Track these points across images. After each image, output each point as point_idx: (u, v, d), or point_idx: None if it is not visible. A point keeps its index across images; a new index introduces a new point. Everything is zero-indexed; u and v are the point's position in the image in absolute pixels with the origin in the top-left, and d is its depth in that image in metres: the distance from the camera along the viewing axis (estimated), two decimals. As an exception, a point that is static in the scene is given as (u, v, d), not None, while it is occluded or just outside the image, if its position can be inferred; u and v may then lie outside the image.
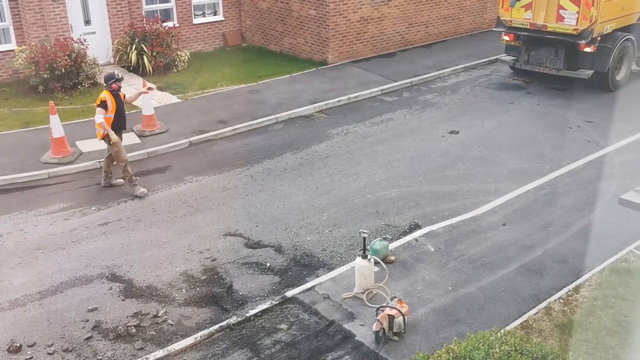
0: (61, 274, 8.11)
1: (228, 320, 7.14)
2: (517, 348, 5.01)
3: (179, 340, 6.85)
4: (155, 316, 7.27)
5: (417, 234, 8.84)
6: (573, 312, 7.00)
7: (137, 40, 16.11)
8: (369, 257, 7.40)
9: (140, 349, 6.77)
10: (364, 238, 7.34)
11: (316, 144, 12.11)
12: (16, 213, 9.71)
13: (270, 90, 15.04)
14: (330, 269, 8.13)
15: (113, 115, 9.90)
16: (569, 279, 7.73)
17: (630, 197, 6.53)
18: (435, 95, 14.67)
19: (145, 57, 15.93)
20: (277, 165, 11.23)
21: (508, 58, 15.38)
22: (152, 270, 8.17)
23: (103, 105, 9.72)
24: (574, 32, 13.45)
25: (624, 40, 14.17)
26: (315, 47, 17.33)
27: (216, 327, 7.03)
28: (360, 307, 7.27)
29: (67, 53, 14.43)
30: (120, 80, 10.03)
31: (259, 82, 15.68)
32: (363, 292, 7.43)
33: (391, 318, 6.64)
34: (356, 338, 6.78)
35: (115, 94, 9.96)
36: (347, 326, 6.97)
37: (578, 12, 13.33)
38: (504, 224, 9.06)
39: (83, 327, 7.11)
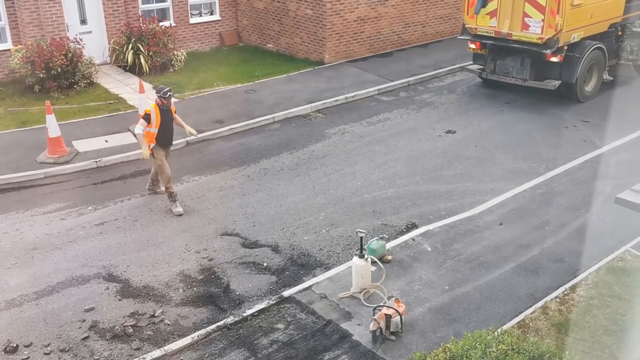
0: (58, 274, 8.10)
1: (225, 320, 7.14)
2: (514, 347, 5.02)
3: (176, 340, 6.84)
4: (152, 316, 7.26)
5: (414, 233, 8.85)
6: (569, 311, 7.02)
7: (133, 39, 16.07)
8: (366, 256, 7.41)
9: (137, 348, 6.76)
10: (361, 237, 7.35)
11: (313, 144, 12.11)
12: (12, 213, 9.69)
13: (267, 89, 15.03)
14: (327, 268, 8.14)
15: (157, 130, 9.31)
16: (566, 278, 7.75)
17: (626, 196, 6.56)
18: (432, 95, 14.68)
19: (141, 56, 15.90)
20: (274, 165, 11.23)
21: (475, 67, 14.70)
22: (149, 270, 8.16)
23: (146, 117, 9.23)
24: (539, 41, 12.73)
25: (594, 49, 13.43)
26: (312, 47, 17.33)
27: (213, 326, 7.02)
28: (358, 307, 7.27)
29: (63, 52, 14.39)
30: (166, 97, 9.32)
31: (256, 82, 15.67)
32: (360, 292, 7.43)
33: (388, 317, 6.64)
34: (353, 337, 6.79)
35: (164, 109, 9.36)
36: (344, 326, 6.97)
37: (543, 20, 12.61)
38: (501, 224, 9.07)
39: (80, 327, 7.10)
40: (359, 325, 6.97)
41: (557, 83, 13.27)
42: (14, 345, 6.78)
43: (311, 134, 12.60)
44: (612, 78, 14.46)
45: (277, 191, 10.21)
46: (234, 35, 19.59)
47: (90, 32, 16.51)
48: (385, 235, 8.65)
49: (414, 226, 9.10)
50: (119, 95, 14.70)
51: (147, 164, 11.37)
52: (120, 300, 7.58)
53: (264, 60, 17.55)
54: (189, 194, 10.18)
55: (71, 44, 14.87)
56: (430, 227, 8.99)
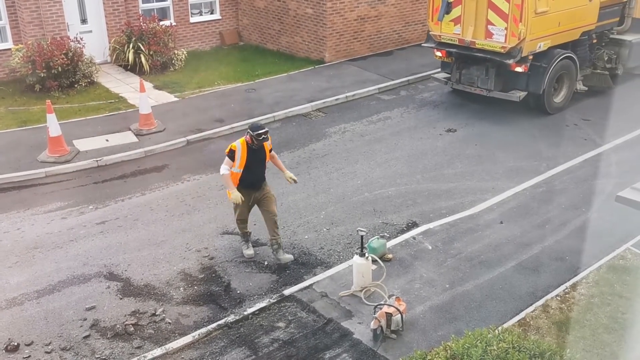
0: (59, 273, 8.10)
1: (226, 318, 7.15)
2: (515, 345, 5.02)
3: (177, 339, 6.85)
4: (153, 315, 7.27)
5: (414, 232, 8.85)
6: (570, 310, 7.03)
7: (134, 39, 16.08)
8: (366, 255, 7.41)
9: (139, 347, 6.77)
10: (362, 236, 7.35)
11: (313, 143, 12.11)
12: (13, 212, 9.70)
13: (267, 88, 15.03)
14: (328, 267, 8.14)
15: (241, 170, 7.84)
16: (566, 276, 7.75)
17: (627, 195, 6.55)
18: (433, 94, 14.67)
19: (142, 55, 15.91)
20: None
21: (440, 76, 14.00)
22: (150, 269, 8.16)
23: (230, 154, 7.79)
24: (502, 50, 12.00)
25: (562, 59, 12.67)
26: (312, 46, 17.33)
27: (214, 325, 7.03)
28: (358, 305, 7.27)
29: (64, 52, 14.40)
30: (259, 139, 7.74)
31: (256, 81, 15.67)
32: (361, 290, 7.44)
33: (389, 316, 6.65)
34: (354, 336, 6.79)
35: (253, 147, 7.82)
36: (345, 324, 6.98)
37: (506, 29, 11.89)
38: (501, 222, 9.07)
39: (81, 326, 7.11)
40: (359, 323, 6.97)
41: (522, 94, 12.62)
42: (15, 344, 6.78)
43: (312, 133, 12.60)
44: (586, 88, 13.82)
45: (277, 190, 10.18)
46: (235, 34, 19.59)
47: (90, 31, 16.52)
48: (385, 234, 8.65)
49: (414, 225, 9.10)
50: (120, 95, 14.71)
51: (148, 163, 11.40)
52: (121, 299, 7.58)
53: (265, 59, 17.56)
54: (189, 193, 10.18)
55: (72, 43, 14.88)
56: (431, 225, 9.00)
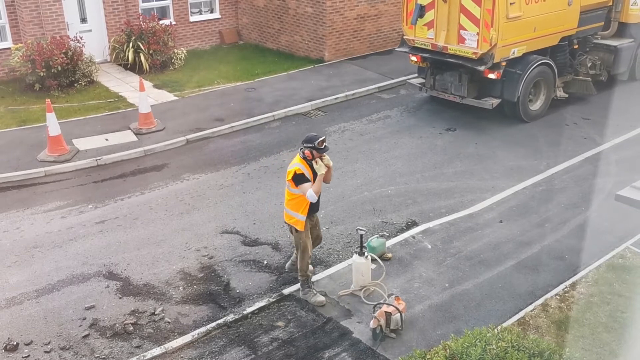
0: (58, 272, 8.10)
1: (225, 317, 7.15)
2: (514, 344, 5.01)
3: (176, 338, 6.85)
4: (153, 314, 7.27)
5: (414, 231, 8.85)
6: (569, 309, 7.02)
7: (133, 38, 16.07)
8: (366, 254, 7.40)
9: (138, 346, 6.77)
10: (361, 235, 7.35)
11: (313, 142, 12.08)
12: (13, 211, 9.69)
13: (267, 87, 15.02)
14: (328, 266, 8.14)
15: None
16: (566, 275, 7.74)
17: (626, 194, 6.54)
18: (432, 93, 14.65)
19: (141, 55, 15.90)
20: (274, 163, 11.22)
21: (415, 81, 13.61)
22: (149, 268, 8.16)
23: (301, 178, 6.91)
24: (474, 56, 11.56)
25: (538, 65, 12.21)
26: (312, 45, 17.31)
27: (213, 324, 7.03)
28: (358, 304, 7.27)
29: (64, 51, 14.39)
30: (322, 149, 7.03)
31: (256, 80, 15.66)
32: (360, 289, 7.43)
33: (388, 315, 6.64)
34: (353, 335, 6.79)
35: (311, 162, 7.03)
36: (344, 323, 6.98)
37: (478, 34, 11.44)
38: (501, 221, 9.07)
39: (80, 325, 7.11)
40: (359, 322, 6.97)
41: (495, 102, 12.18)
42: (15, 343, 6.78)
43: (311, 132, 12.56)
44: (566, 95, 13.31)
45: (277, 189, 10.20)
46: (234, 33, 19.58)
47: (90, 30, 16.51)
48: (385, 233, 8.65)
49: (414, 224, 9.10)
50: (119, 94, 14.70)
51: (147, 162, 11.39)
52: (120, 298, 7.58)
53: (264, 59, 17.54)
54: (189, 192, 10.18)
55: (71, 42, 14.87)
56: (431, 224, 8.99)
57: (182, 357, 6.58)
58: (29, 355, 6.64)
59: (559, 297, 7.25)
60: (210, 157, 11.59)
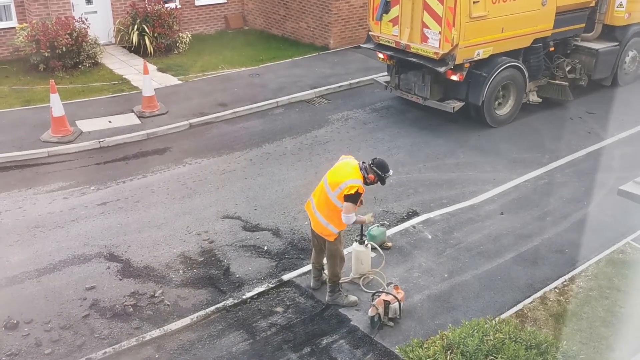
0: (59, 253, 8.14)
1: (224, 302, 7.18)
2: (511, 336, 5.04)
3: (175, 321, 6.88)
4: (152, 296, 7.30)
5: (414, 221, 8.86)
6: (568, 302, 7.04)
7: (138, 20, 16.02)
8: (366, 242, 7.42)
9: (137, 328, 6.81)
10: (361, 225, 7.35)
11: (316, 129, 12.09)
12: (15, 191, 9.72)
13: (271, 74, 14.98)
14: (328, 253, 8.14)
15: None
16: (565, 269, 7.76)
17: (629, 189, 6.54)
18: (437, 83, 14.59)
19: (146, 37, 15.86)
20: (277, 149, 11.22)
21: (382, 79, 13.08)
22: (150, 251, 8.19)
23: (356, 198, 6.50)
24: (435, 57, 10.96)
25: (506, 68, 11.54)
26: (317, 32, 17.24)
27: (212, 308, 7.06)
28: (357, 292, 7.29)
29: (68, 32, 14.36)
30: (385, 181, 6.84)
31: (260, 66, 15.62)
32: (359, 277, 7.46)
33: (387, 304, 6.67)
34: (351, 323, 6.82)
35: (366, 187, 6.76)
36: (343, 311, 7.00)
37: (440, 33, 10.84)
38: (502, 213, 9.07)
39: (80, 305, 7.14)
40: (357, 310, 6.99)
41: (457, 105, 11.61)
42: (15, 321, 6.82)
43: (314, 120, 12.57)
44: (540, 100, 12.74)
45: (279, 175, 10.21)
46: (240, 18, 19.50)
47: (95, 12, 16.45)
48: (385, 222, 8.67)
49: (414, 214, 9.11)
50: (123, 76, 14.68)
51: (150, 145, 11.39)
52: (120, 279, 7.62)
53: (269, 45, 17.48)
54: (191, 176, 10.19)
55: (76, 23, 14.83)
56: (431, 215, 9.00)
57: (180, 339, 6.62)
58: (29, 334, 6.68)
59: (557, 291, 7.26)
60: (212, 142, 11.58)
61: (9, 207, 9.23)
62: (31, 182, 10.01)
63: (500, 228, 8.69)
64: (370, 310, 6.68)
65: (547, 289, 7.32)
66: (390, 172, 6.79)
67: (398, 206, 9.31)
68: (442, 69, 10.98)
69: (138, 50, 16.04)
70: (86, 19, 15.10)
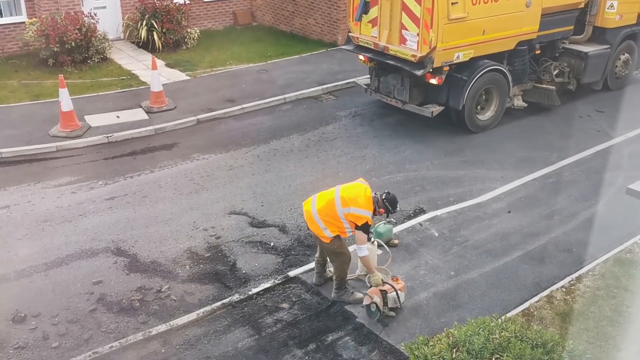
0: (67, 247, 8.18)
1: (230, 297, 7.20)
2: (517, 334, 5.02)
3: (182, 316, 6.91)
4: (159, 291, 7.33)
5: (421, 218, 8.84)
6: (575, 301, 7.01)
7: (147, 16, 16.06)
8: (372, 239, 7.41)
9: (144, 322, 6.84)
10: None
11: (323, 126, 12.08)
12: (24, 185, 9.78)
13: (279, 70, 14.98)
14: (334, 250, 8.14)
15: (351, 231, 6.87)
16: (572, 268, 7.72)
17: (638, 187, 6.50)
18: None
19: (155, 33, 15.89)
20: (284, 145, 11.23)
21: (362, 82, 12.78)
22: (157, 246, 8.22)
23: (366, 228, 6.66)
24: (413, 59, 10.58)
25: (488, 71, 11.15)
26: (326, 29, 17.21)
27: (218, 304, 7.08)
28: (363, 289, 7.27)
29: (78, 27, 14.41)
30: (394, 212, 7.09)
31: (268, 62, 15.62)
32: (365, 274, 7.45)
33: (384, 293, 6.66)
34: (357, 319, 6.82)
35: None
36: (349, 307, 7.01)
37: (419, 35, 10.47)
38: (509, 211, 9.04)
39: (88, 300, 7.18)
40: (362, 307, 6.98)
41: (436, 110, 11.20)
42: (23, 315, 6.87)
43: (322, 116, 12.56)
44: (525, 104, 12.36)
45: (286, 172, 10.22)
46: (248, 14, 19.49)
47: (104, 7, 16.50)
48: (392, 219, 8.65)
49: (421, 211, 9.09)
50: (132, 72, 14.72)
51: (157, 140, 11.42)
52: (127, 274, 7.65)
53: (277, 41, 17.47)
54: (198, 172, 10.22)
55: (85, 18, 14.88)
56: (438, 212, 8.98)
57: (186, 334, 6.65)
58: (36, 327, 6.73)
59: (564, 290, 7.24)
60: (220, 137, 11.60)
61: (17, 201, 9.29)
62: (40, 176, 10.06)
63: (507, 226, 8.66)
64: (365, 299, 6.66)
65: (554, 287, 7.30)
66: (398, 208, 7.05)
67: (405, 203, 9.29)
68: (419, 72, 10.60)
69: (146, 45, 16.08)
70: (95, 14, 15.14)
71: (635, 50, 13.55)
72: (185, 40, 16.53)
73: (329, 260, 7.19)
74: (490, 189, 9.68)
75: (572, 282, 7.38)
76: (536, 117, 12.45)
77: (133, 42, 16.56)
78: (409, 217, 8.92)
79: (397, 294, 6.76)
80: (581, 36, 12.80)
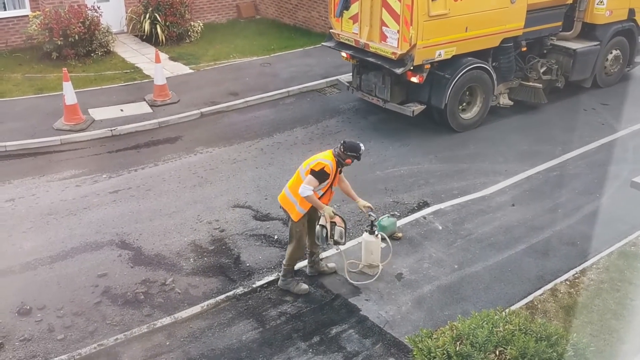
0: (72, 240, 8.21)
1: (234, 290, 7.22)
2: (521, 328, 5.03)
3: (186, 309, 6.93)
4: (163, 284, 7.36)
5: (425, 211, 8.84)
6: (579, 294, 7.01)
7: (150, 9, 16.04)
8: (376, 233, 7.41)
9: (148, 315, 6.87)
10: (372, 221, 7.33)
11: (327, 119, 12.07)
12: (29, 178, 9.80)
13: (283, 63, 14.96)
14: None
15: (323, 193, 6.86)
16: (576, 261, 7.72)
17: (642, 181, 6.49)
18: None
19: (158, 26, 15.88)
20: (288, 139, 11.22)
21: (345, 79, 12.48)
22: (161, 239, 8.24)
23: (320, 176, 6.60)
24: (393, 57, 10.30)
25: (471, 69, 10.88)
26: (329, 21, 17.13)
27: (222, 297, 7.11)
28: (366, 282, 7.30)
29: (81, 20, 14.40)
30: (359, 158, 6.97)
31: (272, 55, 15.59)
32: (369, 267, 7.46)
33: (332, 224, 6.75)
34: (361, 312, 6.84)
35: (340, 168, 6.95)
36: (353, 300, 7.02)
37: (399, 32, 10.18)
38: (513, 205, 9.03)
39: (93, 292, 7.22)
40: (367, 300, 7.01)
41: (417, 109, 10.96)
42: (28, 307, 6.91)
43: (325, 109, 12.55)
44: (511, 103, 12.17)
45: (289, 165, 10.21)
46: (251, 7, 19.44)
47: (107, 0, 16.46)
48: (396, 213, 8.66)
49: (425, 204, 9.09)
50: (135, 65, 14.72)
51: (161, 134, 11.43)
52: (132, 267, 7.68)
53: (281, 34, 17.44)
54: (202, 165, 10.23)
55: (89, 11, 14.87)
56: (442, 205, 8.97)
57: (191, 327, 6.67)
58: (41, 320, 6.77)
59: (568, 283, 7.24)
60: (224, 131, 11.60)
61: (22, 195, 9.32)
62: (44, 169, 10.09)
63: (511, 219, 8.65)
64: (321, 219, 6.79)
65: (557, 281, 7.29)
66: (363, 147, 6.92)
67: (409, 197, 9.30)
68: (399, 71, 10.33)
69: (150, 39, 16.07)
70: (98, 8, 15.13)
71: (626, 47, 13.24)
72: (189, 33, 16.51)
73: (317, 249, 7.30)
74: (494, 182, 9.67)
75: (576, 275, 7.38)
76: (540, 110, 12.41)
77: (136, 36, 16.55)
78: (413, 210, 8.92)
79: (344, 230, 6.83)
80: (570, 32, 12.53)
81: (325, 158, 6.70)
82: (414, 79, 10.65)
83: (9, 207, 8.96)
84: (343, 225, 6.86)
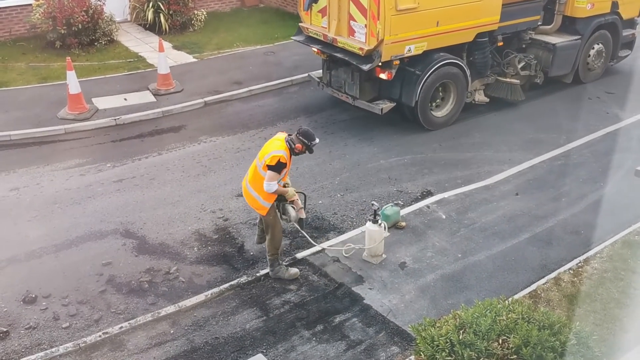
0: (77, 228, 8.25)
1: (238, 279, 7.25)
2: (524, 316, 5.03)
3: (190, 297, 6.97)
4: (167, 273, 7.40)
5: (429, 200, 8.84)
6: (582, 283, 7.02)
7: (154, -3, 15.97)
8: (380, 222, 7.42)
9: (153, 303, 6.91)
10: (375, 210, 7.34)
11: (331, 108, 12.04)
12: (33, 167, 9.83)
13: (287, 52, 14.90)
14: (341, 232, 8.18)
15: (283, 183, 7.00)
16: (580, 250, 7.72)
17: (646, 170, 6.47)
18: (454, 62, 14.41)
19: (161, 15, 15.81)
20: (292, 128, 11.18)
21: (316, 75, 12.09)
22: (165, 228, 8.27)
23: (278, 168, 6.62)
24: (360, 52, 9.93)
25: (442, 65, 10.49)
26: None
27: (226, 285, 7.14)
28: (370, 271, 7.33)
29: (84, 9, 14.35)
30: (312, 150, 6.97)
31: (276, 44, 15.54)
32: (372, 257, 7.47)
33: (291, 205, 7.06)
34: (364, 301, 6.86)
35: (293, 156, 6.95)
36: (356, 289, 7.04)
37: (366, 27, 9.80)
38: (517, 194, 9.02)
39: (97, 281, 7.26)
40: (370, 289, 7.03)
41: (386, 106, 10.60)
42: (33, 295, 6.96)
43: (329, 98, 12.51)
44: (487, 99, 11.72)
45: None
46: (255, -5, 19.34)
47: (110, -11, 16.39)
48: (400, 202, 8.65)
49: (429, 193, 9.08)
50: (139, 54, 14.69)
51: (165, 123, 11.44)
52: (136, 256, 7.71)
53: (284, 22, 17.34)
54: (206, 154, 10.23)
55: (92, 0, 14.81)
56: (446, 194, 8.97)
57: (195, 315, 6.71)
58: (47, 308, 6.81)
59: (572, 272, 7.24)
60: (227, 120, 11.60)
61: (27, 184, 9.35)
62: (48, 158, 10.11)
63: (515, 208, 8.64)
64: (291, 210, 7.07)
65: (561, 270, 7.30)
66: (317, 140, 6.88)
67: (412, 186, 9.29)
68: (366, 67, 9.92)
69: (153, 27, 16.02)
70: (102, -4, 15.09)
71: (609, 41, 12.75)
72: (192, 22, 16.44)
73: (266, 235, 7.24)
74: (498, 171, 9.65)
75: (579, 264, 7.38)
76: (545, 98, 12.35)
77: (140, 24, 16.49)
78: (417, 200, 8.92)
79: (304, 202, 7.22)
80: (550, 26, 12.07)
81: (278, 149, 6.69)
82: (383, 76, 10.31)
83: (13, 196, 9.00)
84: (303, 199, 7.21)
